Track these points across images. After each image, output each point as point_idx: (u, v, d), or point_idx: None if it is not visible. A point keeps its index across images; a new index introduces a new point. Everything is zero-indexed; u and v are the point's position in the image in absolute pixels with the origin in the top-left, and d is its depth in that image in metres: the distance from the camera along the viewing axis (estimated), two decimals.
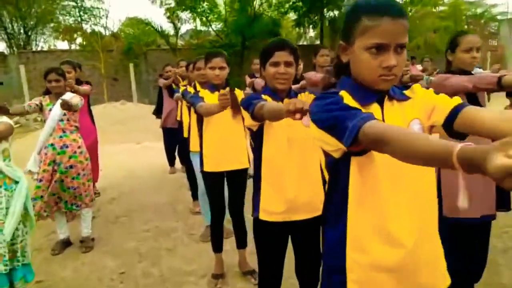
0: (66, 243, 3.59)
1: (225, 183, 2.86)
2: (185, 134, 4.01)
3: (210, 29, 18.60)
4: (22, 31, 21.26)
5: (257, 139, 1.84)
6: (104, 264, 3.28)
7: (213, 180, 2.74)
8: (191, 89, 3.38)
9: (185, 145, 4.29)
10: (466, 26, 18.75)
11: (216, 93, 2.71)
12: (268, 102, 1.62)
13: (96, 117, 5.33)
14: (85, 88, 4.36)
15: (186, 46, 18.15)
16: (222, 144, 2.65)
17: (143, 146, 8.69)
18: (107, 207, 4.69)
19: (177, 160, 6.10)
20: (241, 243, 2.93)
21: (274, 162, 1.79)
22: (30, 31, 21.49)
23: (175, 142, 5.76)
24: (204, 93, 2.72)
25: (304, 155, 1.81)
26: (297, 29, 19.20)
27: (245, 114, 1.78)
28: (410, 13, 17.67)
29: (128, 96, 14.35)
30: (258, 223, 1.86)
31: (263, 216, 1.83)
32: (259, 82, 5.47)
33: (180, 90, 3.77)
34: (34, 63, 14.72)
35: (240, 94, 2.74)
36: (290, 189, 1.77)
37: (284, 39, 1.91)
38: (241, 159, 2.73)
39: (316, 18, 17.44)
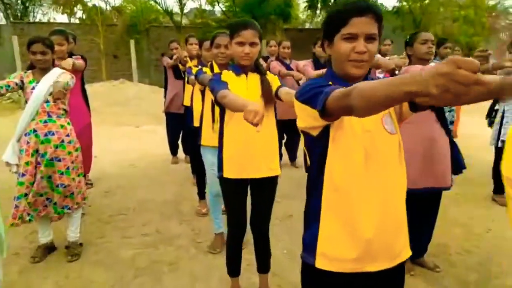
0: (49, 249, 3.05)
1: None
2: (196, 123, 3.45)
3: (216, 8, 17.85)
4: (19, 1, 20.43)
5: (317, 148, 1.26)
6: (92, 278, 2.74)
7: (235, 188, 2.17)
8: (207, 70, 2.81)
9: (192, 135, 3.75)
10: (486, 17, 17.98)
11: (243, 76, 2.13)
12: (365, 83, 0.98)
13: (92, 97, 4.77)
14: (79, 62, 3.75)
15: (191, 25, 17.39)
16: (249, 144, 2.06)
17: (143, 130, 8.23)
18: (100, 201, 4.16)
19: (180, 149, 5.65)
20: (264, 267, 2.38)
21: (344, 185, 1.22)
22: (28, 2, 20.65)
23: (179, 129, 5.31)
24: (227, 76, 2.11)
25: (387, 175, 1.24)
26: (309, 11, 18.36)
27: (303, 110, 1.20)
28: (428, 0, 16.90)
29: (128, 75, 13.69)
30: (313, 272, 1.29)
31: (322, 263, 1.26)
32: (275, 66, 4.88)
33: (193, 71, 3.19)
34: (29, 35, 13.88)
35: (274, 80, 2.15)
36: (366, 226, 1.21)
37: None
38: (271, 165, 2.15)
39: (329, 0, 16.65)
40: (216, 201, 3.09)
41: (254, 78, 2.13)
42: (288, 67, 5.00)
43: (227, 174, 2.11)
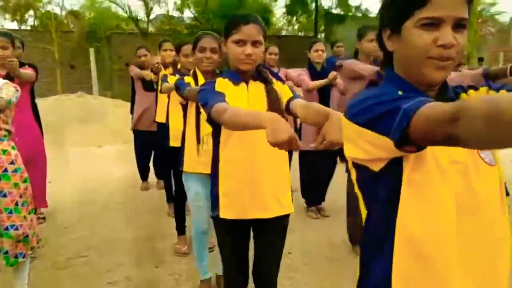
0: None
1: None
2: (173, 143, 3.19)
3: (185, 14, 17.76)
4: None
5: (381, 191, 0.94)
6: None
7: (234, 232, 1.82)
8: (189, 80, 2.52)
9: (167, 156, 3.53)
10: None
11: (243, 85, 1.81)
12: (486, 98, 0.66)
13: (45, 112, 4.40)
14: (27, 71, 3.37)
15: (158, 31, 17.14)
16: (254, 173, 1.72)
17: (106, 150, 7.90)
18: (55, 241, 3.71)
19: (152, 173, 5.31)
20: None
21: (427, 247, 0.90)
22: None
23: (150, 149, 5.07)
24: (222, 85, 1.78)
25: (488, 227, 0.93)
26: (288, 16, 18.44)
27: (360, 135, 0.89)
28: None
29: (88, 87, 13.23)
30: None
31: None
32: None
33: (169, 80, 2.88)
34: None
35: (284, 90, 1.83)
36: None
37: None
38: (283, 200, 1.81)
39: (310, 6, 16.75)
40: (202, 239, 2.76)
41: (257, 88, 1.81)
42: (277, 77, 4.72)
43: (224, 214, 1.76)
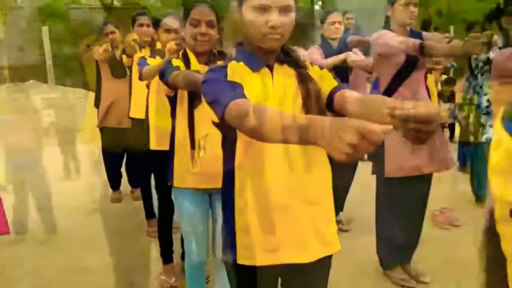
0: None
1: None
2: (155, 146, 3.04)
3: None
4: None
5: None
6: None
7: (256, 283, 1.49)
8: (178, 62, 2.26)
9: (146, 161, 3.35)
10: None
11: (265, 71, 1.47)
12: None
13: None
14: None
15: (125, 5, 16.99)
16: (283, 202, 1.39)
17: (66, 151, 7.52)
18: (1, 274, 3.43)
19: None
20: None
21: None
22: None
23: (122, 152, 4.91)
24: (236, 71, 1.41)
25: None
26: None
27: None
28: None
29: (41, 75, 12.91)
30: None
31: None
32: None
33: (149, 62, 2.66)
34: None
35: (324, 77, 1.49)
36: None
37: None
38: (326, 235, 1.47)
39: None
40: (199, 275, 2.50)
41: (285, 75, 1.46)
42: None
43: (244, 259, 1.42)
